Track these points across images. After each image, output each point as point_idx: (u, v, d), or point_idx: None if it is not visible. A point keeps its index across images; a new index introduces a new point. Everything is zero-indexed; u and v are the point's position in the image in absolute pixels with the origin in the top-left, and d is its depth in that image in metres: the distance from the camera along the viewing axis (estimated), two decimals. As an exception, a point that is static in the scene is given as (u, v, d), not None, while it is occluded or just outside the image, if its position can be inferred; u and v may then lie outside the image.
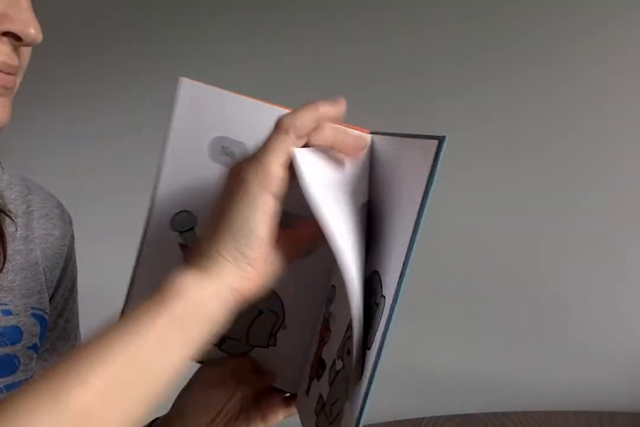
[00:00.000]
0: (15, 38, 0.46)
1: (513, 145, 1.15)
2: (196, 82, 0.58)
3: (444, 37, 1.19)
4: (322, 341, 0.49)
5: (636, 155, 1.12)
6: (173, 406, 0.56)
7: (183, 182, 0.57)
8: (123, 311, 0.56)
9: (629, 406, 1.06)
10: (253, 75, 1.23)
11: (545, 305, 1.12)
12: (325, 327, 0.49)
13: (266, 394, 0.55)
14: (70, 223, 0.68)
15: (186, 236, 0.57)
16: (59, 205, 0.67)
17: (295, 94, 1.22)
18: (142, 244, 0.57)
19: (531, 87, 1.17)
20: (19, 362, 0.58)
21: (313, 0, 1.24)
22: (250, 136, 0.56)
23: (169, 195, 0.57)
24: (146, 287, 0.56)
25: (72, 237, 0.68)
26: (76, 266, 0.69)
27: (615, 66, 1.14)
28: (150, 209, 0.57)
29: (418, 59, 1.21)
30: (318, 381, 0.46)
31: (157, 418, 0.59)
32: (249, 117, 0.57)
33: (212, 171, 0.57)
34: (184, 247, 0.57)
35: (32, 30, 0.46)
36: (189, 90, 0.59)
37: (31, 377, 0.60)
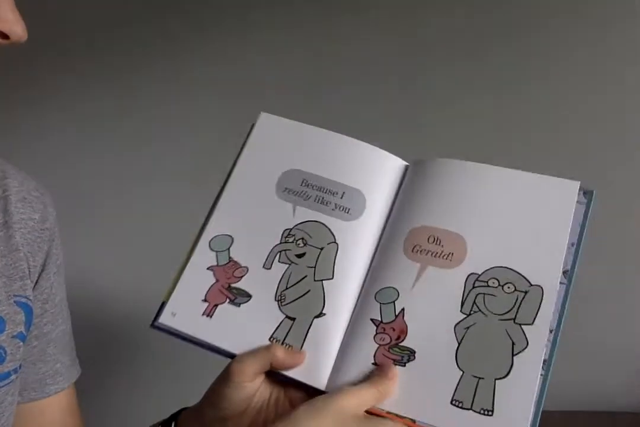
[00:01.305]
0: (2, 36, 0.49)
1: (513, 147, 1.14)
2: (276, 117, 0.64)
3: (443, 38, 1.17)
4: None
5: (637, 155, 1.11)
6: (205, 397, 0.58)
7: (237, 207, 0.61)
8: (158, 314, 0.58)
9: (629, 406, 1.05)
10: (250, 75, 1.23)
11: None
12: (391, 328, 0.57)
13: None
14: (52, 206, 0.66)
15: (219, 255, 0.59)
16: (38, 188, 0.65)
17: (292, 93, 1.19)
18: (187, 259, 0.60)
19: (532, 90, 1.14)
20: (5, 352, 0.57)
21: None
22: (334, 171, 0.62)
23: (221, 217, 0.61)
24: (181, 300, 0.58)
25: (55, 220, 0.65)
26: (61, 250, 0.67)
27: (614, 70, 1.11)
28: (203, 227, 0.61)
29: (416, 60, 1.18)
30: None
31: (183, 409, 0.61)
32: (332, 152, 0.63)
33: (272, 204, 0.61)
34: (214, 267, 0.59)
35: (19, 28, 0.49)
36: (266, 123, 0.64)
37: (19, 366, 0.59)
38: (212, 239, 0.60)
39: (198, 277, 0.59)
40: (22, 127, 1.28)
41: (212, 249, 0.60)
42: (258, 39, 1.25)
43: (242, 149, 0.64)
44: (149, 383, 1.27)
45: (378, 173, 0.63)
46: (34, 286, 0.63)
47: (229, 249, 0.60)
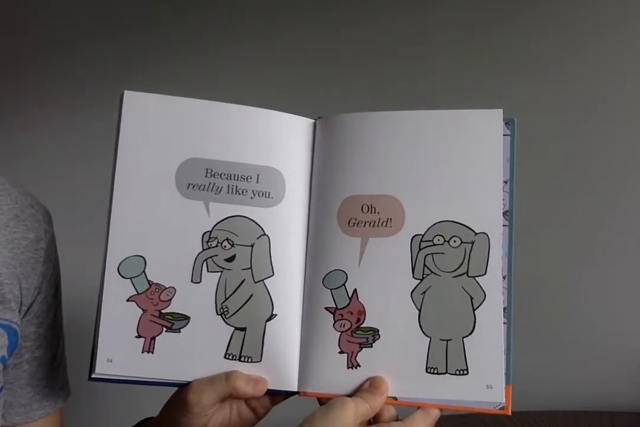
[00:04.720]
0: None
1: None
2: (145, 94, 0.53)
3: (447, 38, 1.12)
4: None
5: (637, 154, 1.07)
6: (162, 419, 0.55)
7: (136, 220, 0.52)
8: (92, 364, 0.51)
9: (629, 406, 1.05)
10: (249, 75, 1.16)
11: (545, 305, 1.07)
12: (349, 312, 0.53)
13: None
14: (49, 223, 0.61)
15: (135, 282, 0.51)
16: (33, 204, 0.61)
17: (294, 93, 1.11)
18: (100, 295, 0.51)
19: (535, 92, 1.08)
20: None
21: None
22: (238, 151, 0.53)
23: (121, 236, 0.51)
24: (112, 343, 0.51)
25: (52, 238, 0.62)
26: (59, 270, 0.63)
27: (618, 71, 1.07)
28: (105, 255, 0.51)
29: (419, 59, 1.12)
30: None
31: (146, 420, 0.59)
32: (228, 127, 0.53)
33: (178, 206, 0.52)
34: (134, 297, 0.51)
35: None
36: (136, 105, 0.53)
37: (0, 389, 0.58)
38: (120, 265, 0.51)
39: (120, 312, 0.51)
40: (20, 133, 1.20)
41: (123, 277, 0.51)
42: (259, 39, 1.17)
43: (117, 143, 0.52)
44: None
45: (287, 141, 0.55)
46: (28, 309, 0.59)
47: (144, 271, 0.51)
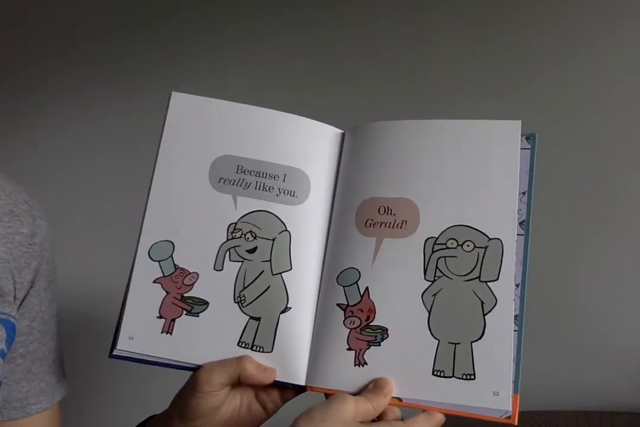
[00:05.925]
0: None
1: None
2: (190, 95, 0.58)
3: (447, 38, 1.12)
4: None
5: (636, 155, 1.07)
6: (172, 406, 0.55)
7: (170, 208, 0.56)
8: (114, 341, 0.54)
9: (629, 406, 1.05)
10: (251, 76, 1.16)
11: (545, 305, 1.05)
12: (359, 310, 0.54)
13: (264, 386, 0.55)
14: (43, 218, 0.63)
15: (162, 265, 0.55)
16: (28, 200, 0.62)
17: (297, 93, 1.12)
18: (130, 275, 0.55)
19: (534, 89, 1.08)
20: None
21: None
22: (268, 151, 0.56)
23: (154, 222, 0.55)
24: (135, 321, 0.54)
25: (46, 233, 0.63)
26: (54, 265, 0.64)
27: (617, 71, 1.07)
28: (138, 238, 0.55)
29: (420, 59, 1.12)
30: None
31: (153, 416, 0.59)
32: (262, 130, 0.57)
33: (209, 198, 0.56)
34: (160, 279, 0.55)
35: None
36: (181, 105, 0.58)
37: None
38: (150, 248, 0.55)
39: (146, 293, 0.54)
40: (20, 133, 1.21)
41: (153, 260, 0.55)
42: (259, 39, 1.17)
43: (160, 138, 0.57)
44: (145, 387, 1.16)
45: (316, 147, 0.58)
46: (21, 303, 0.60)
47: (171, 256, 0.55)
